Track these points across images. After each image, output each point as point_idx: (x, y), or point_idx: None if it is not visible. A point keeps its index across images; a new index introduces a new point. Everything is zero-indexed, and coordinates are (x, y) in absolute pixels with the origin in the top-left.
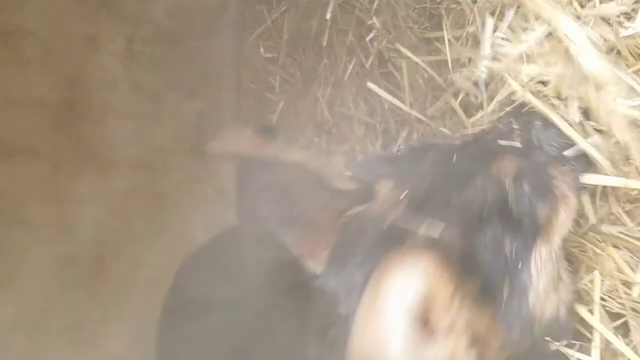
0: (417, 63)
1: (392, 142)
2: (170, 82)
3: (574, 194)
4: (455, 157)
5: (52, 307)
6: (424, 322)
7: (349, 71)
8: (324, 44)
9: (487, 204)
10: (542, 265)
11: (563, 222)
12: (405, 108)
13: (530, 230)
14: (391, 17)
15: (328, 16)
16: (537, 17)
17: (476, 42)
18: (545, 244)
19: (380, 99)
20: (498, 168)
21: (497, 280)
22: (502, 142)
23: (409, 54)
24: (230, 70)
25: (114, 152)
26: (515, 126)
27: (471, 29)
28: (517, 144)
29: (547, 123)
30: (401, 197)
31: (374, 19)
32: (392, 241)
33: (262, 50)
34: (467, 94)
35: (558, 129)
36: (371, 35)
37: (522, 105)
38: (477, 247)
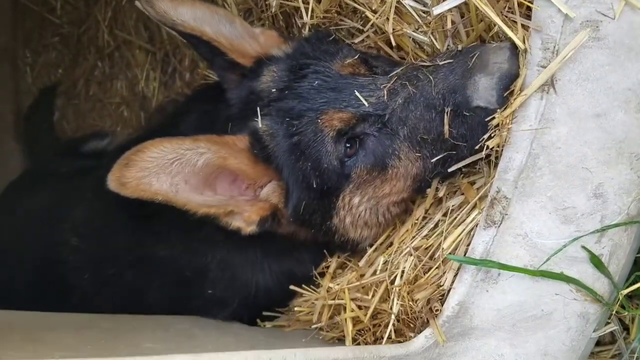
0: None
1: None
2: None
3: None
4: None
5: None
6: (211, 182)
7: None
8: None
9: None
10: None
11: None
12: (172, 32)
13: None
14: None
15: None
16: None
17: None
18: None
19: (159, 27)
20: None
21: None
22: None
23: None
24: None
25: None
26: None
27: None
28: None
29: None
30: (274, 90)
31: None
32: (239, 117)
33: None
34: None
35: None
36: None
37: None
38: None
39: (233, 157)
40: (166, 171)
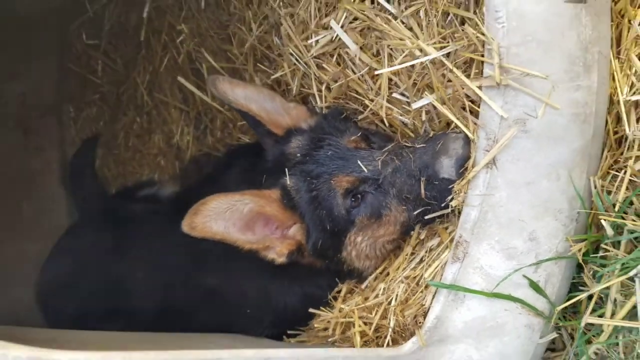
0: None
1: (202, 125)
2: None
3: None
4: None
5: None
6: (251, 225)
7: (164, 64)
8: (142, 38)
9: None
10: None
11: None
12: (208, 100)
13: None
14: (196, 25)
15: (144, 15)
16: None
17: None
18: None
19: (191, 91)
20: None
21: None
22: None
23: (209, 58)
24: (52, 54)
25: None
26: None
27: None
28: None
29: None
30: (298, 154)
31: (183, 26)
32: (273, 172)
33: (84, 37)
34: None
35: None
36: (180, 38)
37: None
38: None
39: (269, 206)
40: (222, 217)
